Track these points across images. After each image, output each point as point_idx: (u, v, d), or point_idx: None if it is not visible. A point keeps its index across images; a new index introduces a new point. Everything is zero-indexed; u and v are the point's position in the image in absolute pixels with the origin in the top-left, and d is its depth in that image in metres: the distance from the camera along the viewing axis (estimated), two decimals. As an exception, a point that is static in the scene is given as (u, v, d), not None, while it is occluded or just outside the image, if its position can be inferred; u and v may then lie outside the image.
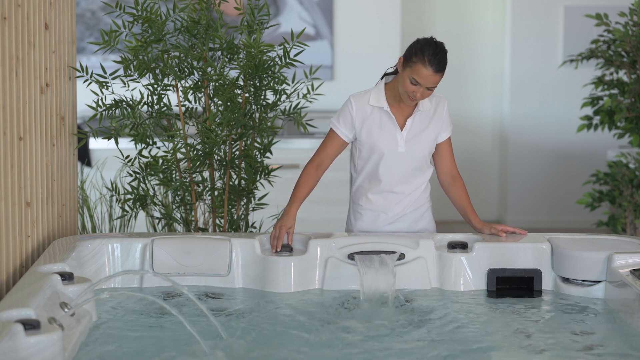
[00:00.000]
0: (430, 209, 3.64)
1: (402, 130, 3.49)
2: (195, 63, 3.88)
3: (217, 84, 3.82)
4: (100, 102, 3.88)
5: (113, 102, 3.89)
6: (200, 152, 3.89)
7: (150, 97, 3.93)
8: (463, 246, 3.39)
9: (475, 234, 3.52)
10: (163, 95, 3.93)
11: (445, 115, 3.56)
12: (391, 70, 3.54)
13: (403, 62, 3.38)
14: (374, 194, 3.55)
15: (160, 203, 4.06)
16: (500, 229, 3.49)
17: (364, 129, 3.49)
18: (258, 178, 3.96)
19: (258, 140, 3.95)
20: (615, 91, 5.02)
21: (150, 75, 3.88)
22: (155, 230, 4.28)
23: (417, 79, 3.33)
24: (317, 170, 3.54)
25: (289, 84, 3.92)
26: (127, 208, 4.06)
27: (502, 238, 3.46)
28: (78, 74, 3.90)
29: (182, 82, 3.92)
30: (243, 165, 3.93)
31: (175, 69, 3.87)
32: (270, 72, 3.83)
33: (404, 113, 3.51)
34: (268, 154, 3.98)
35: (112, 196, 4.27)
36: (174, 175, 3.96)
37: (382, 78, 3.55)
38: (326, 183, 5.82)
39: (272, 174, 3.99)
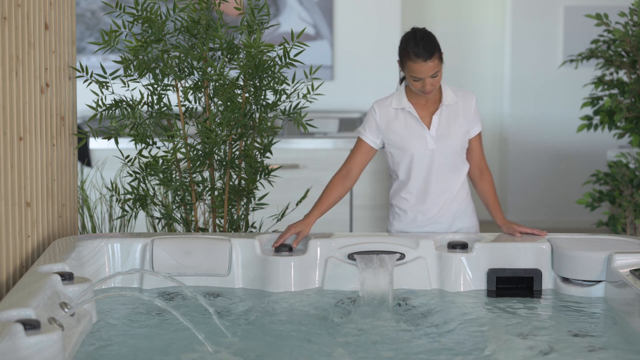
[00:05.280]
0: (470, 207, 3.62)
1: (429, 128, 3.50)
2: (195, 63, 3.88)
3: (217, 84, 3.82)
4: (100, 102, 3.88)
5: (113, 102, 3.89)
6: (200, 152, 3.89)
7: (150, 97, 3.93)
8: (463, 246, 3.39)
9: (475, 234, 3.53)
10: (163, 95, 3.93)
11: (475, 110, 3.56)
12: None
13: (400, 65, 3.42)
14: (409, 194, 3.56)
15: (160, 203, 4.06)
16: (518, 230, 3.49)
17: (389, 132, 3.51)
18: (258, 178, 3.96)
19: (258, 140, 3.95)
20: (615, 91, 5.02)
21: (150, 75, 3.88)
22: (155, 230, 4.28)
23: (415, 75, 3.35)
24: (344, 180, 3.54)
25: (289, 84, 3.92)
26: (127, 208, 4.06)
27: (501, 238, 3.46)
28: (78, 74, 3.89)
29: (182, 82, 3.92)
30: (243, 165, 3.93)
31: (175, 69, 3.87)
32: (270, 72, 3.82)
33: (429, 110, 3.52)
34: (268, 154, 3.98)
35: (112, 196, 4.27)
36: (174, 175, 3.96)
37: (400, 83, 3.57)
38: (326, 183, 5.83)
39: (272, 174, 3.99)
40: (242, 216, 4.00)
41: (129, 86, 3.86)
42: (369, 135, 3.54)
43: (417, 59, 3.33)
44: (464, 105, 3.54)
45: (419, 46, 3.33)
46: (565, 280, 3.31)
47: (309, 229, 3.45)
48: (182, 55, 3.84)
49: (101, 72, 3.86)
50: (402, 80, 3.59)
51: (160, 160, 3.93)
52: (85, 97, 4.27)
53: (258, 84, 3.87)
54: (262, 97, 3.91)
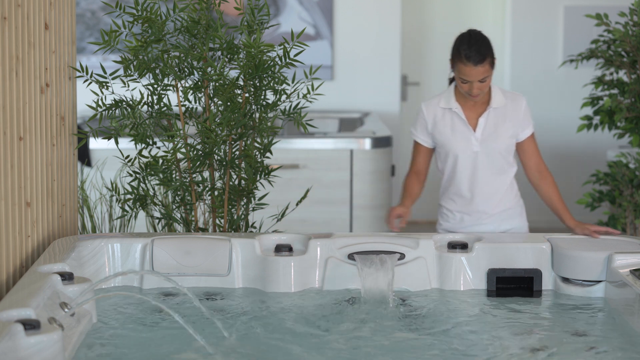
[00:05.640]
0: (518, 208, 3.64)
1: (475, 129, 3.50)
2: (195, 63, 3.88)
3: (217, 84, 3.82)
4: (100, 102, 3.88)
5: (113, 102, 3.89)
6: (200, 152, 3.89)
7: (150, 97, 3.93)
8: (463, 246, 3.39)
9: (476, 234, 3.52)
10: (163, 95, 3.93)
11: (524, 113, 3.54)
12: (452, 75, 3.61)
13: (451, 65, 3.43)
14: (455, 195, 3.59)
15: (160, 203, 4.06)
16: (594, 230, 3.47)
17: (436, 131, 3.53)
18: (258, 178, 3.96)
19: (258, 140, 3.95)
20: (615, 91, 5.02)
21: (150, 75, 3.88)
22: (155, 230, 4.28)
23: (464, 77, 3.36)
24: (418, 176, 3.64)
25: (289, 84, 3.91)
26: (127, 208, 4.05)
27: (501, 238, 3.46)
28: (78, 74, 3.89)
29: (182, 82, 3.92)
30: (243, 165, 3.93)
31: (175, 69, 3.87)
32: (270, 72, 3.82)
33: (477, 111, 3.53)
34: (268, 154, 3.98)
35: (112, 196, 4.27)
36: (174, 175, 3.95)
37: (449, 83, 3.59)
38: (326, 183, 5.83)
39: (272, 174, 3.99)
40: (242, 216, 4.00)
41: (129, 86, 3.86)
42: (421, 135, 3.58)
43: (467, 62, 3.33)
44: (512, 108, 3.53)
45: (471, 49, 3.33)
46: (565, 280, 3.31)
47: (409, 211, 3.55)
48: (182, 55, 3.84)
49: (101, 72, 3.86)
50: (451, 80, 3.60)
51: (160, 160, 3.93)
52: (85, 97, 4.27)
53: (258, 84, 3.87)
54: (262, 97, 3.91)
